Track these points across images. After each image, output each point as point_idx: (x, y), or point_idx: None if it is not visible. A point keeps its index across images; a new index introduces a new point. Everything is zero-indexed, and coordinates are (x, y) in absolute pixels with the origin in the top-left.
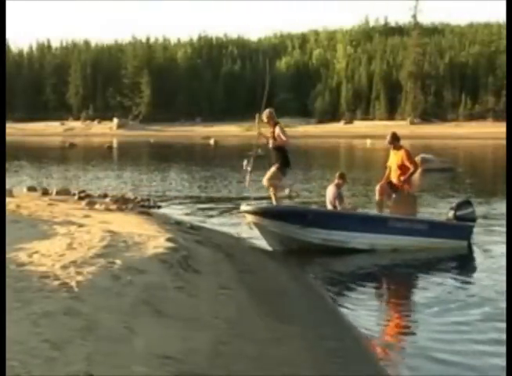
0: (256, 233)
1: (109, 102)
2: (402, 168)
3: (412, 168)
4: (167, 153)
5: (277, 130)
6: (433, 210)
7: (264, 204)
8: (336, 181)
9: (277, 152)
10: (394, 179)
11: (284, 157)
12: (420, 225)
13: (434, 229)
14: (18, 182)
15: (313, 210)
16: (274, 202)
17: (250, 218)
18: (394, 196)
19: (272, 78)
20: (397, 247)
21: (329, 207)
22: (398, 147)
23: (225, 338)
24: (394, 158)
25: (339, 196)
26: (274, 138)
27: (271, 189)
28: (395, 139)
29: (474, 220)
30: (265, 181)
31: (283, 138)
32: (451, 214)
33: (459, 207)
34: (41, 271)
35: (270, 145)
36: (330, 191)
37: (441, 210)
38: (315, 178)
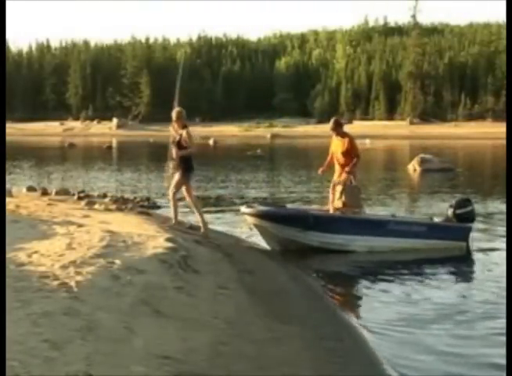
0: (256, 233)
1: (109, 102)
2: (347, 155)
3: (355, 159)
4: (166, 153)
5: (184, 134)
6: (432, 210)
7: (264, 206)
8: None
9: (180, 157)
10: (338, 165)
11: (187, 162)
12: (418, 228)
13: (433, 230)
14: (17, 182)
15: (314, 214)
16: (172, 213)
17: (250, 219)
18: (337, 188)
19: (271, 78)
20: (396, 250)
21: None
22: (342, 134)
23: (225, 338)
24: (339, 145)
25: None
26: (179, 142)
27: (172, 201)
28: (338, 125)
29: (473, 219)
30: (170, 192)
31: (190, 144)
32: (450, 212)
33: (458, 205)
34: (41, 271)
35: (174, 150)
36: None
37: (441, 210)
38: (316, 179)
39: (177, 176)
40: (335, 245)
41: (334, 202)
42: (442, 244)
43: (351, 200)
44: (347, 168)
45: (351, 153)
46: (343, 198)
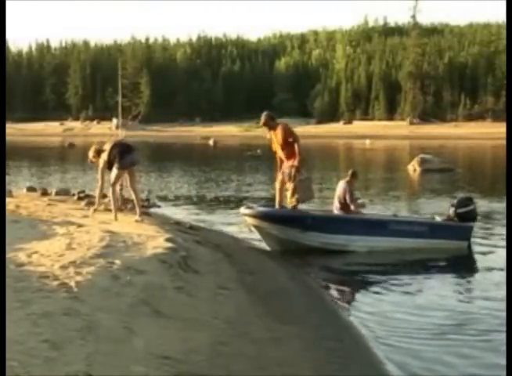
0: (255, 233)
1: (109, 102)
2: (285, 145)
3: (296, 145)
4: (166, 154)
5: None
6: (433, 209)
7: (263, 207)
8: (348, 178)
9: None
10: (284, 160)
11: (119, 156)
12: (420, 227)
13: (434, 230)
14: (17, 182)
15: (313, 214)
16: (112, 207)
17: (249, 220)
18: (287, 185)
19: (271, 79)
20: (397, 250)
21: (336, 203)
22: (274, 127)
23: (225, 338)
24: (276, 139)
25: (350, 193)
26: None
27: (112, 195)
28: (270, 119)
29: (475, 218)
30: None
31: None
32: (452, 211)
33: (460, 204)
34: (41, 271)
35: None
36: (341, 187)
37: (442, 210)
38: (316, 179)
39: (114, 169)
40: (335, 245)
41: (288, 200)
42: (444, 244)
43: (305, 194)
44: (294, 162)
45: (287, 141)
46: (296, 195)
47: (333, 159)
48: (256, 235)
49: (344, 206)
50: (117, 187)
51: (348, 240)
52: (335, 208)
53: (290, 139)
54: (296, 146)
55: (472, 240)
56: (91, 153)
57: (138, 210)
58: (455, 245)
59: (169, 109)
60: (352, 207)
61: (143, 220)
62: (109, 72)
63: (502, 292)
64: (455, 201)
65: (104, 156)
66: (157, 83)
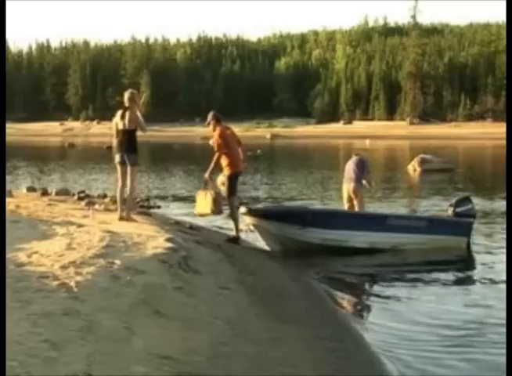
0: (256, 233)
1: (109, 102)
2: (218, 151)
3: (216, 155)
4: (166, 154)
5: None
6: (433, 210)
7: (262, 206)
8: (359, 156)
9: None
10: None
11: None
12: (419, 223)
13: (434, 225)
14: (17, 182)
15: (312, 210)
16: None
17: (249, 220)
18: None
19: (271, 79)
20: (396, 245)
21: (351, 174)
22: (214, 129)
23: (225, 338)
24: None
25: (367, 165)
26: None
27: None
28: (215, 119)
29: (474, 216)
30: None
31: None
32: (450, 211)
33: (458, 204)
34: (41, 271)
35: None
36: (356, 162)
37: (441, 210)
38: (316, 179)
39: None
40: (334, 241)
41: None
42: (443, 239)
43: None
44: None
45: (217, 143)
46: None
47: (333, 159)
48: (256, 235)
49: (357, 177)
50: (120, 185)
51: (349, 236)
52: (349, 180)
53: (216, 146)
54: (216, 155)
55: (472, 239)
56: (127, 95)
57: (124, 207)
58: (454, 241)
59: (169, 109)
60: (365, 182)
61: (125, 218)
62: (110, 72)
63: (504, 291)
64: (453, 201)
65: (119, 125)
66: (157, 83)
